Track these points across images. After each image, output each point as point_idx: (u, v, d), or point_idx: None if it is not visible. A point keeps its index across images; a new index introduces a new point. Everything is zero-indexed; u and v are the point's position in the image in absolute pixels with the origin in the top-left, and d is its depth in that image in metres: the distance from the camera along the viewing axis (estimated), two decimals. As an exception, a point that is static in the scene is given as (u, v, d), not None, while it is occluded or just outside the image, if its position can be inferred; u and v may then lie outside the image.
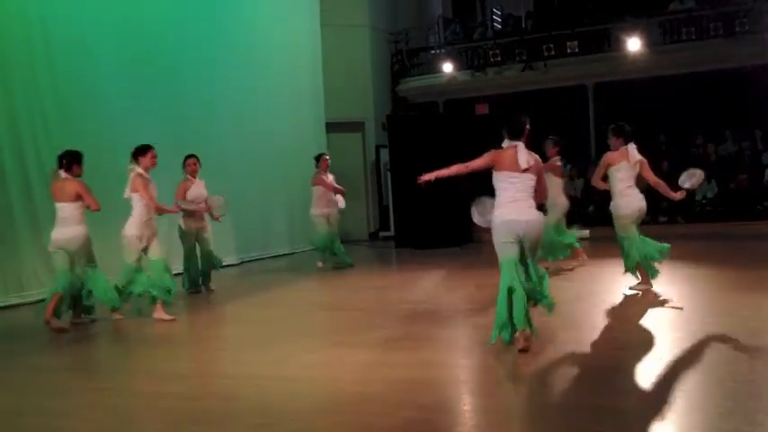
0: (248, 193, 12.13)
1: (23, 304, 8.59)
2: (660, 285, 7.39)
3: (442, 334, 6.25)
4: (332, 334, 6.66)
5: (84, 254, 7.09)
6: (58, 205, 7.02)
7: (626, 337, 5.76)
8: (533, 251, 5.39)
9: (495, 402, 4.35)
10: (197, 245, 8.94)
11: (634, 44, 14.65)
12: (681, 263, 9.41)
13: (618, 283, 7.67)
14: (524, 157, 5.25)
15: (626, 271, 7.45)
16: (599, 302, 7.08)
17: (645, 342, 5.50)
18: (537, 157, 5.42)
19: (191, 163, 8.79)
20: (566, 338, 5.72)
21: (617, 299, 7.17)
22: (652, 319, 6.24)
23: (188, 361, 6.05)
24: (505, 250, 5.28)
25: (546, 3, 17.82)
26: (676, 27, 14.86)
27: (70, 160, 7.05)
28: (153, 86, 10.69)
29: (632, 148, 7.21)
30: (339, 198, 10.71)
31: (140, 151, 7.24)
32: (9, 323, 7.91)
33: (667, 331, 5.80)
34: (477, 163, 5.40)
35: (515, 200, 5.27)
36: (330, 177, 10.81)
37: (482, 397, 4.51)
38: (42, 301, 8.70)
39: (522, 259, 5.31)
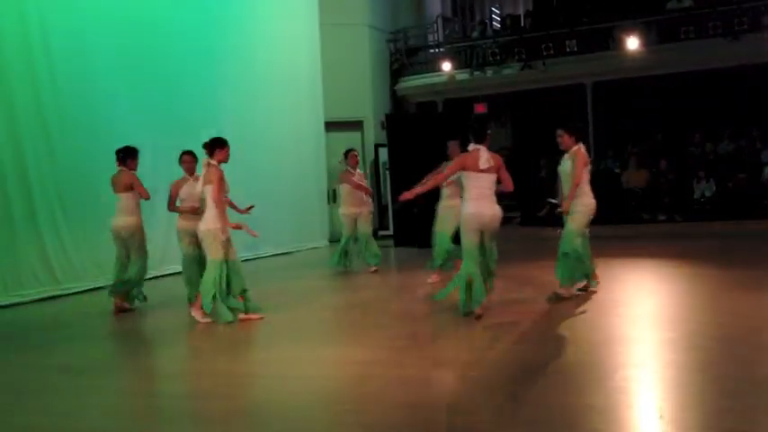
0: (247, 192, 12.02)
1: (23, 303, 8.59)
2: (659, 284, 7.39)
3: (442, 333, 6.25)
4: (332, 333, 6.67)
5: (137, 242, 7.71)
6: (116, 196, 7.71)
7: (624, 336, 5.77)
8: (492, 238, 6.35)
9: (496, 402, 4.35)
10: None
11: (633, 43, 14.65)
12: (679, 262, 9.44)
13: (617, 283, 7.68)
14: (486, 158, 6.12)
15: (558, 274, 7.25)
16: (596, 301, 7.08)
17: (644, 341, 5.52)
18: (498, 157, 6.31)
19: (186, 160, 8.59)
20: (564, 337, 5.74)
21: (615, 298, 7.18)
22: (650, 318, 6.26)
23: (187, 360, 6.06)
24: (470, 238, 6.22)
25: (545, 2, 17.81)
26: (675, 26, 14.84)
27: (125, 155, 7.75)
28: (151, 87, 10.65)
29: (583, 147, 7.12)
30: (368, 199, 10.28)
31: (220, 144, 6.91)
32: (9, 323, 7.90)
33: (666, 330, 5.81)
34: (449, 171, 6.33)
35: (480, 197, 6.16)
36: (358, 174, 10.29)
37: (482, 396, 4.50)
38: (42, 300, 8.79)
39: (481, 244, 6.28)
